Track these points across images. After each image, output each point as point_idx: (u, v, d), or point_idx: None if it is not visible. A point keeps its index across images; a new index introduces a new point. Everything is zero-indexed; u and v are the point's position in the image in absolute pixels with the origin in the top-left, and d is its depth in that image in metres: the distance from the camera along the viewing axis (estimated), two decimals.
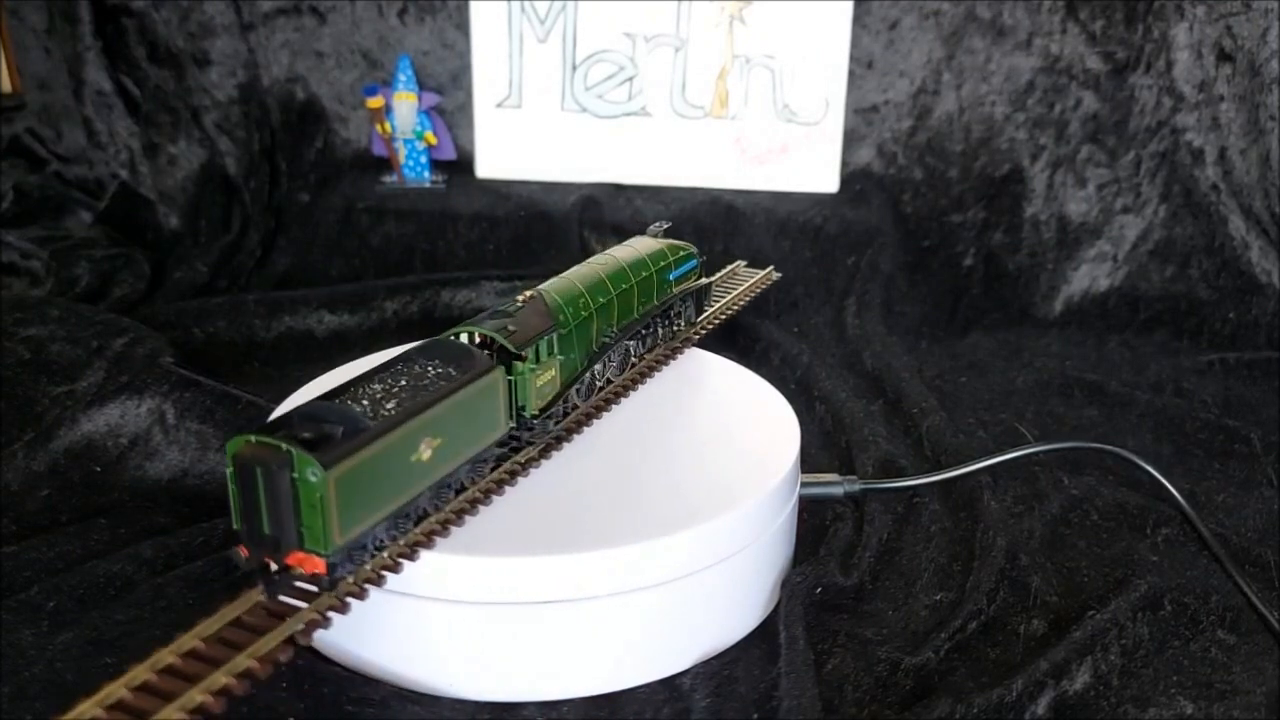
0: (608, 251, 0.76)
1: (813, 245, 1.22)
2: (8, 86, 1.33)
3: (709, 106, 1.28)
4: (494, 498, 0.61)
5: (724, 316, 0.93)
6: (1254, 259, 1.20)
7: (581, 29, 1.26)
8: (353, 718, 0.57)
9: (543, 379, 0.63)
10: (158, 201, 1.31)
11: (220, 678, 0.48)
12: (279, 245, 1.28)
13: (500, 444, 0.62)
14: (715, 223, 1.22)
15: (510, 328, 0.62)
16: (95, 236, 1.25)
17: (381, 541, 0.54)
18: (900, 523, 0.78)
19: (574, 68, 1.27)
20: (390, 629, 0.59)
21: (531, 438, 0.65)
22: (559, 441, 0.67)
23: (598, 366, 0.71)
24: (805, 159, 1.29)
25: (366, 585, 0.53)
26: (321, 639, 0.62)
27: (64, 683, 0.59)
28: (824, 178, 1.30)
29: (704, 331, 0.87)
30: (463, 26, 1.30)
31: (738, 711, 0.59)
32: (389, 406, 0.53)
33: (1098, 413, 0.99)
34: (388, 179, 1.30)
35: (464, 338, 0.62)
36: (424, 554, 0.57)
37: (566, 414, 0.69)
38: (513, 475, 0.63)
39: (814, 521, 0.77)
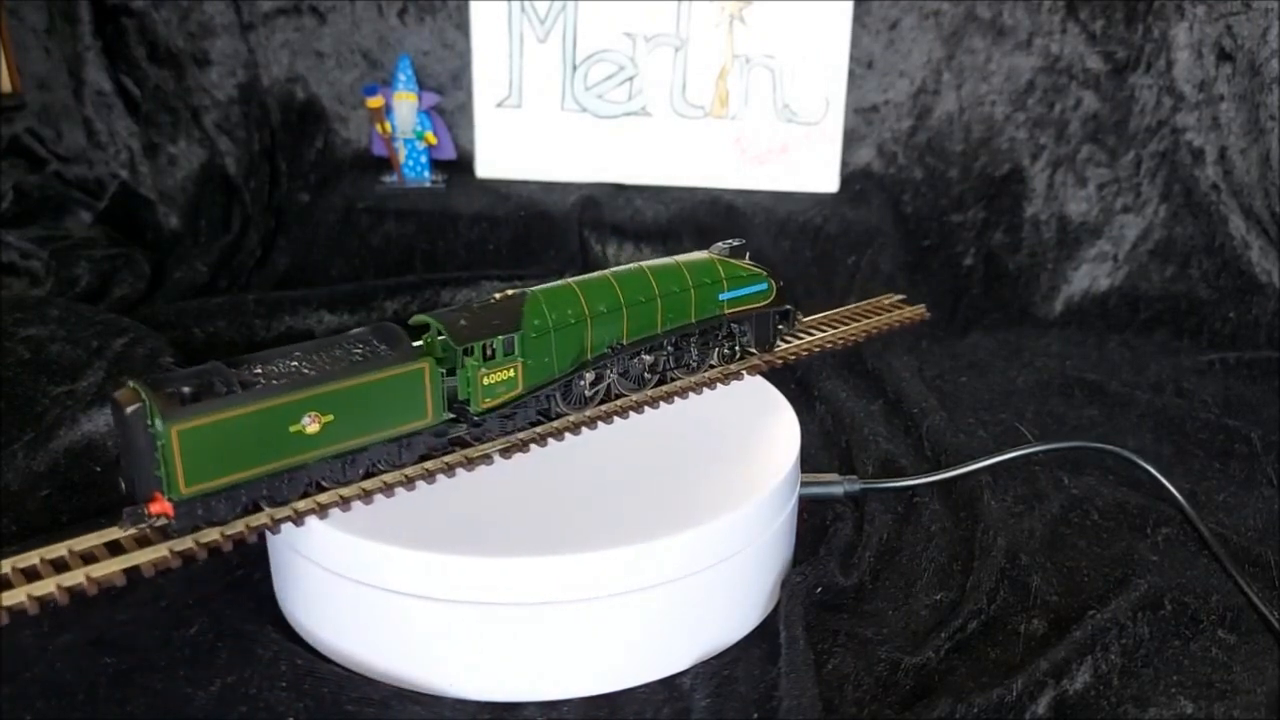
0: (643, 262, 0.74)
1: (813, 245, 1.22)
2: (8, 86, 1.33)
3: (709, 106, 1.28)
4: (421, 485, 0.62)
5: (816, 350, 0.85)
6: (1254, 259, 1.20)
7: (581, 29, 1.26)
8: (353, 718, 0.57)
9: (494, 378, 0.63)
10: (158, 201, 1.31)
11: (50, 584, 0.53)
12: (279, 245, 1.28)
13: (438, 434, 0.63)
14: (715, 223, 1.22)
15: (462, 322, 0.62)
16: (95, 236, 1.25)
17: (257, 502, 0.58)
18: (900, 523, 0.78)
19: (574, 68, 1.27)
20: (391, 629, 0.59)
21: (480, 434, 0.65)
22: (527, 444, 0.67)
23: (589, 375, 0.70)
24: (805, 159, 1.29)
25: (232, 537, 0.56)
26: (321, 639, 0.62)
27: (64, 683, 0.59)
28: (824, 178, 1.30)
29: (779, 363, 0.81)
30: (463, 26, 1.30)
31: (738, 711, 0.59)
32: (282, 380, 0.57)
33: (1098, 413, 0.99)
34: (388, 179, 1.30)
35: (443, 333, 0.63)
36: (424, 554, 0.57)
37: (551, 416, 0.69)
38: (452, 468, 0.63)
39: (814, 521, 0.77)
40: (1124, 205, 1.27)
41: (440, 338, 0.63)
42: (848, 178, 1.32)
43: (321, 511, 0.59)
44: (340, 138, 1.35)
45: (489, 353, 0.63)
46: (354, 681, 0.59)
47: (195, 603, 0.66)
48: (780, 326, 0.81)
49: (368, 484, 0.61)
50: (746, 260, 0.79)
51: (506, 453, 0.66)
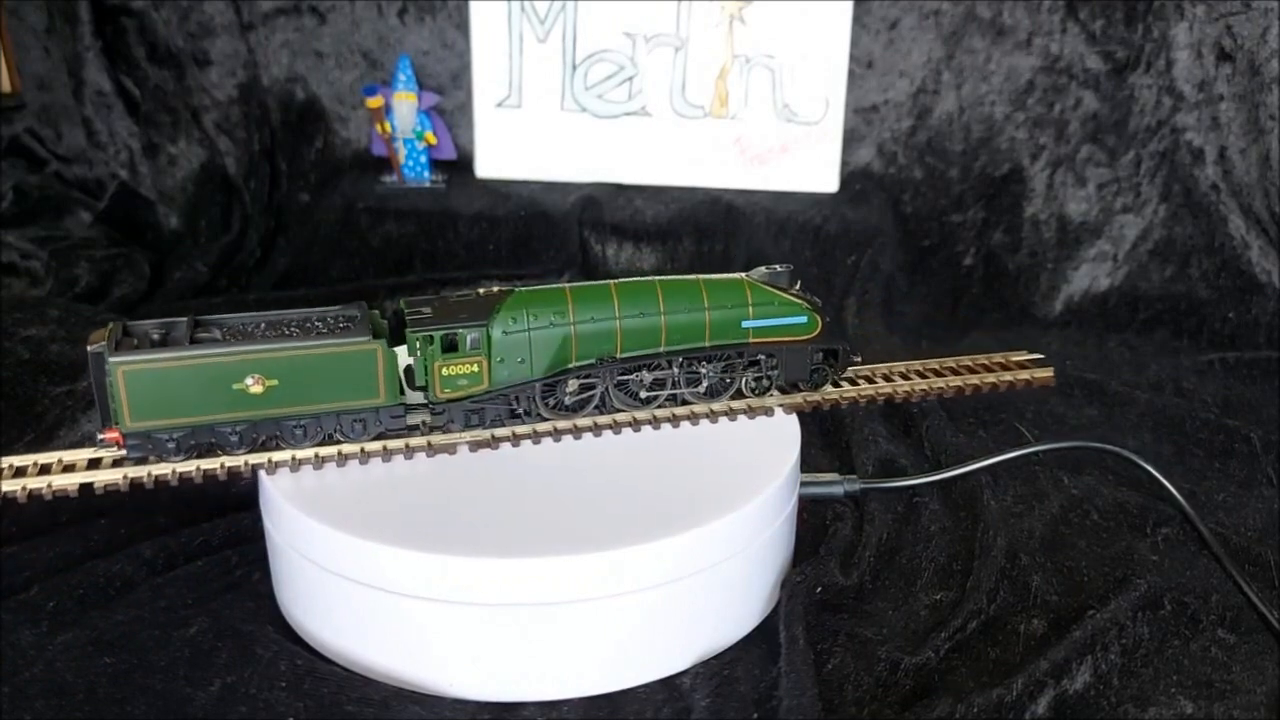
0: (661, 276, 0.71)
1: (813, 245, 1.22)
2: (7, 86, 1.33)
3: (709, 106, 1.28)
4: (375, 461, 0.65)
5: (877, 397, 0.79)
6: (1254, 259, 1.20)
7: (581, 29, 1.26)
8: (353, 718, 0.57)
9: (454, 369, 0.64)
10: (158, 201, 1.31)
11: (16, 485, 0.63)
12: (279, 245, 1.28)
13: (394, 416, 0.65)
14: (715, 223, 1.22)
15: (427, 310, 0.64)
16: (95, 236, 1.25)
17: (205, 447, 0.64)
18: (900, 522, 0.78)
19: (574, 67, 1.27)
20: (390, 629, 0.59)
21: (442, 424, 0.66)
22: (498, 442, 0.67)
23: (573, 383, 0.68)
24: (805, 159, 1.29)
25: (181, 475, 0.63)
26: (321, 639, 0.62)
27: (64, 683, 0.59)
28: (824, 178, 1.30)
29: (824, 405, 0.76)
30: (463, 26, 1.30)
31: (738, 711, 0.59)
32: (233, 340, 0.62)
33: (1098, 413, 0.99)
34: (388, 179, 1.30)
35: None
36: (424, 555, 0.57)
37: (532, 419, 0.69)
38: (412, 451, 0.66)
39: (814, 521, 0.77)
40: (1124, 205, 1.27)
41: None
42: (848, 178, 1.32)
43: (271, 468, 0.63)
44: (340, 138, 1.35)
45: (450, 344, 0.64)
46: (354, 681, 0.59)
47: (195, 602, 0.66)
48: (826, 365, 0.75)
49: (324, 450, 0.64)
50: (795, 289, 0.74)
51: (474, 447, 0.67)
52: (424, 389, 0.65)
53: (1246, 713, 0.60)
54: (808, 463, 0.85)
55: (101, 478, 0.63)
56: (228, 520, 0.74)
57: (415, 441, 0.66)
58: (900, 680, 0.61)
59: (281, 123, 1.34)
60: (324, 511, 0.60)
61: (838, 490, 0.78)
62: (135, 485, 0.63)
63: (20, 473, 0.64)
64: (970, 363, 0.86)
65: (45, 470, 0.64)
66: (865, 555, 0.73)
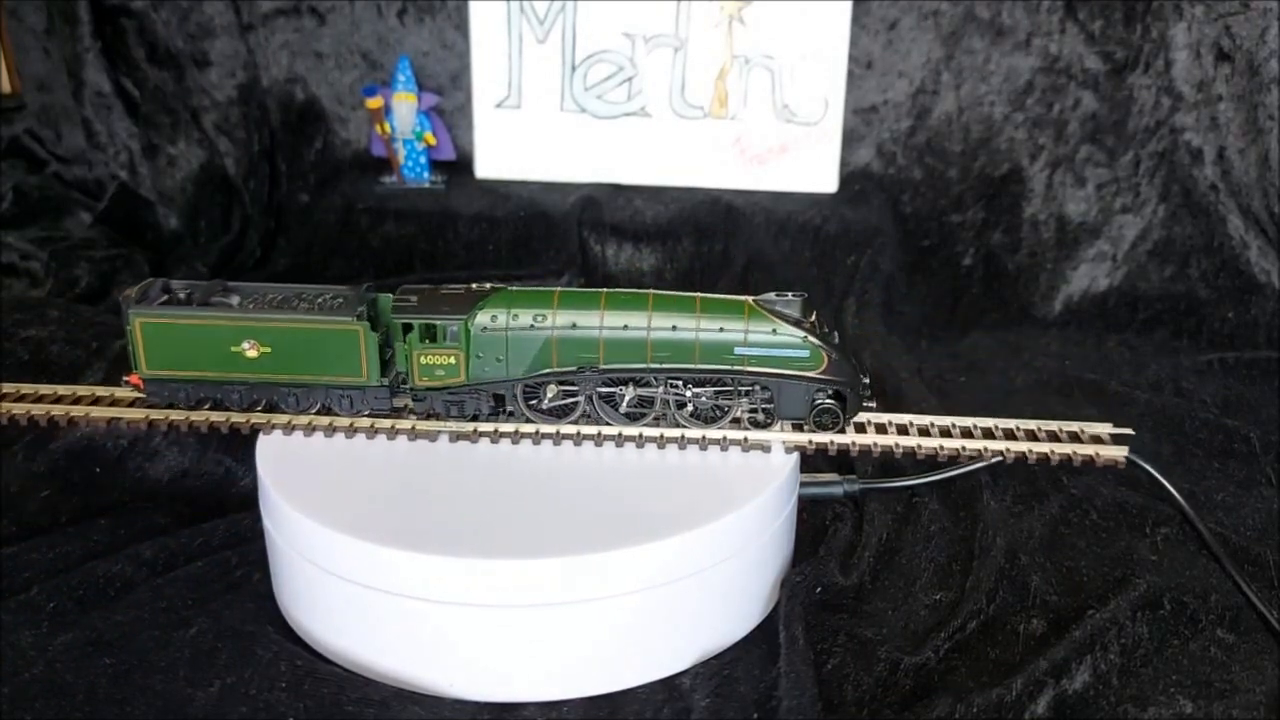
0: (658, 290, 0.69)
1: (813, 245, 1.22)
2: (7, 87, 1.33)
3: (708, 106, 1.28)
4: (360, 436, 0.68)
5: (895, 449, 0.71)
6: (1253, 259, 1.20)
7: (581, 29, 1.26)
8: (353, 718, 0.57)
9: (431, 359, 0.66)
10: (157, 202, 1.31)
11: (47, 408, 0.74)
12: (279, 245, 1.28)
13: (379, 397, 0.69)
14: (715, 223, 1.22)
15: (411, 300, 0.67)
16: (95, 237, 1.25)
17: (213, 402, 0.70)
18: (900, 522, 0.78)
19: (573, 68, 1.27)
20: (391, 629, 0.59)
21: (423, 410, 0.69)
22: (478, 437, 0.68)
23: (551, 389, 0.68)
24: (805, 159, 1.29)
25: (192, 421, 0.70)
26: (321, 639, 0.62)
27: (64, 683, 0.59)
28: (824, 178, 1.30)
29: (831, 450, 0.70)
30: (462, 27, 1.30)
31: (738, 711, 0.59)
32: (238, 306, 0.69)
33: (1098, 413, 0.98)
34: (387, 179, 1.30)
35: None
36: (424, 556, 0.57)
37: (525, 417, 0.69)
38: (396, 432, 0.68)
39: (814, 521, 0.77)
40: (1123, 205, 1.27)
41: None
42: (847, 178, 1.32)
43: (268, 428, 0.69)
44: (340, 138, 1.35)
45: (430, 334, 0.66)
46: (354, 682, 0.60)
47: (195, 603, 0.66)
48: (838, 406, 0.69)
49: (318, 420, 0.69)
50: (810, 320, 0.68)
51: (455, 438, 0.68)
52: (405, 375, 0.68)
53: (1246, 712, 0.60)
54: (807, 463, 0.85)
55: (128, 415, 0.72)
56: (228, 520, 0.74)
57: (401, 424, 0.68)
58: (900, 680, 0.62)
59: (281, 123, 1.34)
60: (324, 512, 0.60)
61: (837, 490, 0.78)
62: (152, 425, 0.72)
63: (77, 400, 0.75)
64: (1035, 428, 0.75)
65: (96, 402, 0.74)
66: (865, 555, 0.73)
